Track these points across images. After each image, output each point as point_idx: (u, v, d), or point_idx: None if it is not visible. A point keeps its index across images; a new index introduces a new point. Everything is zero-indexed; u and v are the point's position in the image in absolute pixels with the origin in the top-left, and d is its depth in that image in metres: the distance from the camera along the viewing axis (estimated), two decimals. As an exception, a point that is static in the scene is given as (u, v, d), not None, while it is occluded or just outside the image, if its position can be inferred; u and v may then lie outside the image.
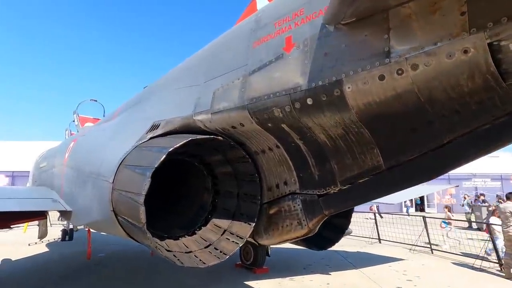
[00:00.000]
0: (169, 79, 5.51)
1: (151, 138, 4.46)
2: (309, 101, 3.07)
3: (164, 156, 3.51)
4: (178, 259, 3.80)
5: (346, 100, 2.83)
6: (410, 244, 13.78)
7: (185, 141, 3.67)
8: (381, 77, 2.58)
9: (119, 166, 4.25)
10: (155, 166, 3.48)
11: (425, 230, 13.73)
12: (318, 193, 3.74)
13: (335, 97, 2.89)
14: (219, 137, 4.00)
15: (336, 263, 10.68)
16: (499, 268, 10.07)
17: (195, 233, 4.58)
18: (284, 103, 3.27)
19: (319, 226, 3.89)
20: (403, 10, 2.45)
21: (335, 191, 3.58)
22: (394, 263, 11.13)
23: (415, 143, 2.83)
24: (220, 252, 4.14)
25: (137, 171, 3.78)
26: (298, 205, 3.94)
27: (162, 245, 4.01)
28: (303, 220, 3.89)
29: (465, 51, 2.20)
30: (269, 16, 3.63)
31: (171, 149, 3.58)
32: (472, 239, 13.47)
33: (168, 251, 3.96)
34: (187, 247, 4.24)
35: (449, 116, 2.53)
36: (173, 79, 5.26)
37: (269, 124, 3.58)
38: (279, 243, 4.35)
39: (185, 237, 4.50)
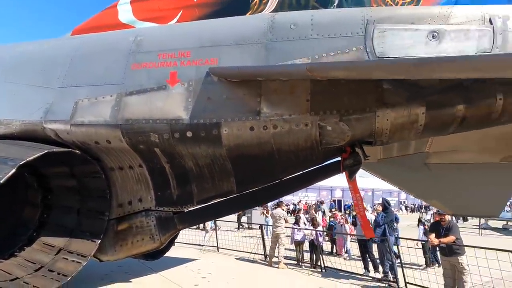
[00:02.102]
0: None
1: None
2: (189, 134, 3.58)
3: (14, 171, 3.01)
4: None
5: (221, 139, 3.55)
6: (200, 245, 15.70)
7: (41, 153, 3.26)
8: (251, 128, 3.48)
9: None
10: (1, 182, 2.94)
11: (214, 232, 15.99)
12: (174, 210, 4.21)
13: (212, 135, 3.54)
14: (76, 151, 3.75)
15: (135, 270, 10.75)
16: (264, 259, 13.29)
17: (15, 255, 3.92)
18: (163, 130, 3.60)
19: (169, 239, 4.34)
20: (271, 85, 3.45)
21: (191, 208, 4.18)
22: (189, 263, 12.40)
23: (262, 177, 3.90)
24: (59, 274, 3.80)
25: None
26: (152, 221, 4.24)
27: None
28: (156, 235, 4.23)
29: (306, 124, 3.42)
30: (153, 44, 3.86)
31: (23, 162, 3.11)
32: (245, 237, 16.83)
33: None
34: (10, 274, 3.62)
35: (289, 162, 3.74)
36: (6, 67, 4.28)
37: (141, 146, 3.77)
38: (125, 257, 4.43)
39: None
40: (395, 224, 14.96)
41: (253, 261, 12.78)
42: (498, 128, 3.79)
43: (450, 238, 9.56)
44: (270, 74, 3.28)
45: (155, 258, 6.19)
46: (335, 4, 4.03)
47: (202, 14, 4.53)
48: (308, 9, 4.08)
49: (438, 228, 10.30)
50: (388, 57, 3.29)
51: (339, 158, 3.84)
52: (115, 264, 10.96)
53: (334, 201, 48.42)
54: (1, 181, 2.93)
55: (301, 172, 3.93)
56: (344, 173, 3.85)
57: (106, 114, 3.66)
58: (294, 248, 14.37)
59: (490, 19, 3.21)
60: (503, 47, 3.14)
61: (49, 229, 4.23)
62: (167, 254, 14.39)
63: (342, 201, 49.01)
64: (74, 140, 3.77)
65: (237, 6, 4.37)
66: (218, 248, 15.80)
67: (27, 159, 3.12)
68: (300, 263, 12.66)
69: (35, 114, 3.73)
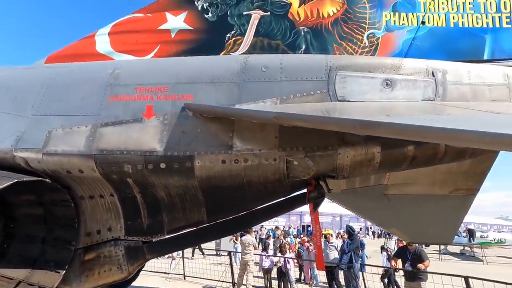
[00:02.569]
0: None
1: None
2: (162, 166, 3.71)
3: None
4: None
5: (194, 171, 3.71)
6: (166, 273, 15.23)
7: (11, 183, 3.25)
8: (223, 162, 3.68)
9: None
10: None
11: (181, 259, 15.62)
12: (143, 239, 4.23)
13: (185, 167, 3.70)
14: (47, 180, 3.74)
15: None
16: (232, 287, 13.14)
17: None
18: (137, 161, 3.71)
19: (137, 269, 4.33)
20: (243, 123, 3.71)
21: (161, 238, 4.23)
22: (152, 292, 12.04)
23: (232, 207, 4.07)
24: (18, 308, 3.66)
25: None
26: (121, 250, 4.23)
27: None
28: (124, 265, 4.21)
29: (275, 159, 3.68)
30: (131, 78, 4.03)
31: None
32: (213, 264, 16.56)
33: None
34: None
35: (258, 194, 3.95)
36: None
37: (114, 176, 3.83)
38: (91, 289, 4.34)
39: None
40: (360, 250, 15.39)
41: (221, 288, 12.60)
42: (446, 165, 4.26)
43: (427, 263, 10.09)
44: (242, 116, 3.53)
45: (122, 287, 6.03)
46: (303, 49, 4.45)
47: (179, 50, 4.79)
48: (278, 52, 4.48)
49: (405, 253, 10.86)
50: (349, 101, 3.69)
51: (304, 190, 4.11)
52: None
53: (303, 226, 48.82)
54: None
55: (270, 203, 4.15)
56: (310, 204, 4.12)
57: (80, 144, 3.72)
58: (263, 276, 14.33)
59: (432, 72, 3.71)
60: (443, 96, 3.63)
61: (9, 260, 4.08)
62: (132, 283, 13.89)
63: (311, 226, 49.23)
64: (45, 168, 3.77)
65: (212, 45, 4.68)
66: (184, 276, 15.38)
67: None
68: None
69: (6, 141, 3.72)
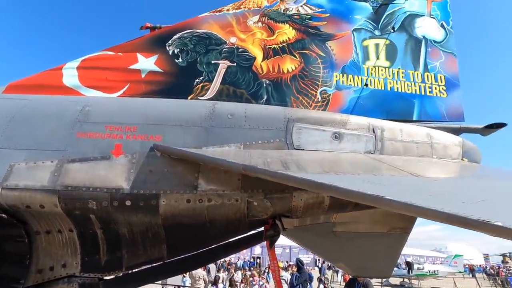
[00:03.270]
0: None
1: None
2: (128, 203, 3.83)
3: None
4: None
5: (158, 209, 3.88)
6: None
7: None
8: (188, 201, 3.91)
9: None
10: None
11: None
12: (100, 276, 4.20)
13: (150, 205, 3.86)
14: (3, 215, 3.66)
15: None
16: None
17: None
18: (102, 198, 3.80)
19: (90, 308, 4.23)
20: (209, 165, 4.02)
21: (118, 275, 4.23)
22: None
23: (193, 244, 4.25)
24: None
25: None
26: (75, 287, 4.14)
27: None
28: (77, 304, 4.11)
29: (236, 200, 4.00)
30: (100, 116, 4.19)
31: None
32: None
33: None
34: None
35: (218, 231, 4.20)
36: None
37: (77, 212, 3.86)
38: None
39: None
40: (308, 283, 15.79)
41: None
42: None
43: None
44: (212, 163, 3.83)
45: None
46: (264, 99, 4.96)
47: (148, 90, 5.05)
48: (242, 100, 4.93)
49: (354, 284, 11.54)
50: (303, 149, 4.19)
51: (262, 229, 4.45)
52: None
53: (253, 257, 48.42)
54: None
55: (228, 240, 4.41)
56: (265, 242, 4.44)
57: (44, 179, 3.73)
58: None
59: (373, 129, 4.39)
60: (381, 150, 4.29)
61: None
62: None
63: (261, 258, 49.33)
64: (2, 203, 3.69)
65: (181, 89, 5.02)
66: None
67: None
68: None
69: (-39, 174, 3.61)
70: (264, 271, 27.20)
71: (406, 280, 34.10)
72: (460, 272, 39.96)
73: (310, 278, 17.70)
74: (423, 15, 5.48)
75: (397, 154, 4.29)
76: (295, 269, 15.82)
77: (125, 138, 4.08)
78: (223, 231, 4.25)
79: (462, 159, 4.39)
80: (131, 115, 4.28)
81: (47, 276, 4.15)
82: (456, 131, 4.79)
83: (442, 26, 5.41)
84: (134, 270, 4.33)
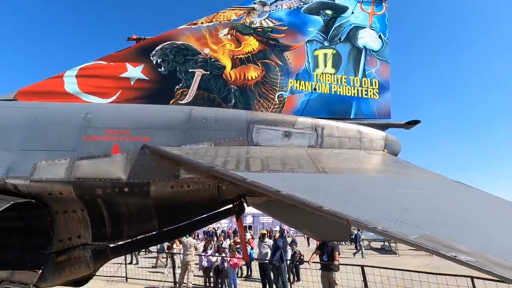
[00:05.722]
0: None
1: None
2: (126, 190, 5.08)
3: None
4: None
5: (149, 193, 5.14)
6: (108, 276, 15.87)
7: (9, 204, 4.38)
8: (172, 187, 5.16)
9: None
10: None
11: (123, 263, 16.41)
12: (107, 244, 5.54)
13: (143, 191, 5.12)
14: (32, 200, 4.89)
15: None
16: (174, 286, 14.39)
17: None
18: (106, 186, 5.03)
19: (102, 266, 5.61)
20: (187, 158, 5.24)
21: (121, 243, 5.57)
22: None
23: (177, 219, 5.58)
24: (4, 300, 4.76)
25: None
26: (88, 253, 5.48)
27: None
28: (91, 264, 5.47)
29: (209, 185, 5.26)
30: (101, 123, 5.33)
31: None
32: (159, 266, 17.52)
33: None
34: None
35: (196, 209, 5.51)
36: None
37: (86, 197, 5.10)
38: (63, 284, 5.50)
39: None
40: (290, 248, 17.64)
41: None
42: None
43: (336, 255, 12.62)
44: (187, 163, 4.95)
45: (83, 284, 7.10)
46: (232, 102, 6.12)
47: (137, 95, 6.15)
48: (215, 103, 6.09)
49: (324, 247, 13.41)
50: (260, 145, 5.43)
51: (230, 206, 5.77)
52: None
53: (245, 226, 51.17)
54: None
55: (205, 215, 5.75)
56: (234, 216, 5.80)
57: (61, 173, 4.94)
58: (202, 274, 15.76)
59: (315, 127, 5.63)
60: (321, 144, 5.56)
61: (-7, 263, 5.09)
62: None
63: (252, 227, 52.17)
64: (31, 192, 4.91)
65: (164, 94, 6.12)
66: (127, 278, 16.18)
67: None
68: (208, 287, 14.19)
69: (-2, 171, 4.80)
70: (253, 238, 29.58)
71: (386, 243, 36.84)
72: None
73: (294, 242, 19.64)
74: (365, 27, 6.56)
75: (333, 147, 5.56)
76: (277, 235, 17.58)
77: (121, 140, 5.26)
78: (200, 208, 5.57)
79: (383, 150, 5.68)
80: (124, 121, 5.43)
81: (66, 244, 5.45)
82: (384, 127, 6.05)
83: (379, 37, 6.51)
84: (133, 239, 5.67)
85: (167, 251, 17.89)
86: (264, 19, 6.58)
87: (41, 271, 5.23)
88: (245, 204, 5.74)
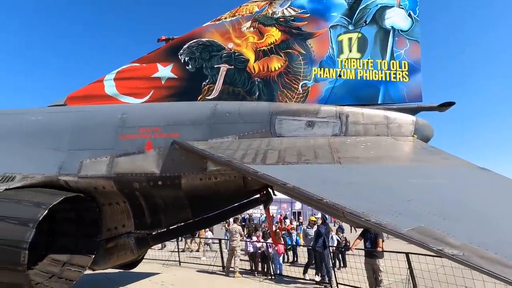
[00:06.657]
0: (17, 130, 6.06)
1: (6, 189, 5.19)
2: (160, 183, 5.50)
3: (46, 212, 4.76)
4: None
5: (181, 186, 5.51)
6: (164, 260, 17.19)
7: (62, 198, 5.02)
8: (200, 179, 5.49)
9: None
10: (39, 219, 4.66)
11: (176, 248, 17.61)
12: (148, 232, 6.08)
13: (175, 183, 5.50)
14: (81, 194, 5.53)
15: (101, 285, 12.08)
16: (222, 270, 15.13)
17: (32, 268, 5.56)
18: (142, 180, 5.51)
19: (144, 252, 6.19)
20: (213, 152, 5.51)
21: (160, 231, 6.08)
22: (152, 277, 13.90)
23: (208, 208, 5.92)
24: (66, 280, 5.50)
25: (12, 223, 4.68)
26: (132, 240, 6.08)
27: None
28: (135, 250, 6.07)
29: (235, 176, 5.49)
30: (135, 122, 5.79)
31: (52, 205, 4.85)
32: (207, 251, 18.46)
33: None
34: (33, 280, 5.27)
35: (224, 199, 5.79)
36: (25, 132, 5.97)
37: (126, 190, 5.63)
38: (112, 267, 6.19)
39: None
40: (334, 235, 17.50)
41: (212, 272, 14.64)
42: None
43: (380, 242, 12.37)
44: (211, 159, 5.17)
45: (132, 267, 7.90)
46: (256, 94, 6.24)
47: (168, 93, 6.53)
48: (239, 97, 6.25)
49: (367, 234, 13.16)
50: (284, 136, 5.50)
51: (258, 196, 5.97)
52: (83, 280, 12.28)
53: (294, 213, 51.66)
54: (39, 219, 4.66)
55: (236, 204, 6.03)
56: (262, 205, 6.00)
57: (103, 169, 5.50)
58: (248, 259, 16.33)
59: (339, 115, 5.55)
60: (346, 132, 5.47)
61: (55, 248, 5.88)
62: (133, 270, 15.91)
63: (301, 213, 52.61)
64: (79, 187, 5.55)
65: (192, 91, 6.43)
66: (180, 262, 17.36)
67: (54, 203, 4.88)
68: (254, 271, 14.73)
69: (51, 169, 5.48)
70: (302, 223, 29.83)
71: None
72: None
73: (342, 229, 19.43)
74: (393, 6, 6.21)
75: (358, 135, 5.45)
76: (320, 222, 17.51)
77: (153, 137, 5.68)
78: (229, 198, 5.84)
79: (413, 136, 5.42)
80: (155, 119, 5.83)
81: (113, 233, 6.09)
82: (415, 111, 5.75)
83: (409, 15, 6.12)
84: (171, 228, 6.16)
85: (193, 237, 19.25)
86: (286, 8, 6.53)
87: (94, 256, 5.93)
88: (271, 194, 5.91)
